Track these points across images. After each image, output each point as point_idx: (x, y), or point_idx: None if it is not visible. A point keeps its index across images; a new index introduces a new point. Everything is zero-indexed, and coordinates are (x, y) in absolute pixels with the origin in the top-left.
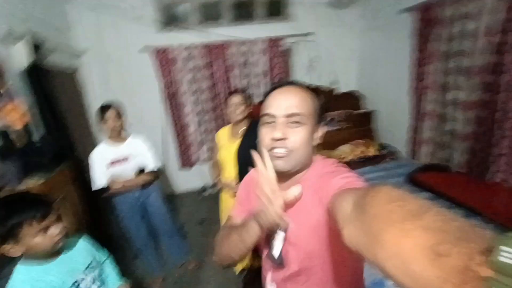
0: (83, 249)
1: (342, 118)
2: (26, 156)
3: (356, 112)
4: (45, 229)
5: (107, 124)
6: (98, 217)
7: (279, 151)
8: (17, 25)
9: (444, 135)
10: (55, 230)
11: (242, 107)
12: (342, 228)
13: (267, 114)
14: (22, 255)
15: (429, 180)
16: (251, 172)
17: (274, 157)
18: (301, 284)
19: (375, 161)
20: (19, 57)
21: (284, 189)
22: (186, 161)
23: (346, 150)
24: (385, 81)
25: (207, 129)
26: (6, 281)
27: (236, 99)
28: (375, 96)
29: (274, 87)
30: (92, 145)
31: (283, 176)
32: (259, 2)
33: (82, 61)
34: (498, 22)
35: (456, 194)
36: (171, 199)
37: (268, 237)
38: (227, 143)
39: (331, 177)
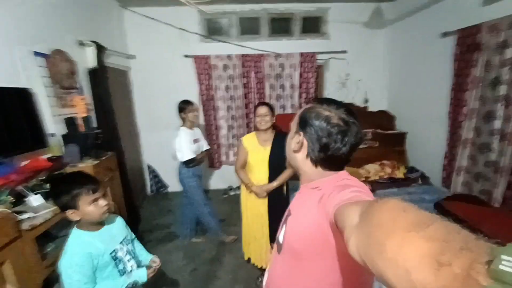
0: (119, 225)
1: (372, 136)
2: (85, 141)
3: (386, 131)
4: (96, 199)
5: (191, 114)
6: (133, 201)
7: None
8: (85, 32)
9: (484, 166)
10: (103, 202)
11: (268, 118)
12: (347, 239)
13: None
14: (78, 220)
15: (458, 209)
16: None
17: None
18: (287, 271)
19: (401, 184)
20: (87, 59)
21: (303, 192)
22: (215, 162)
23: (372, 170)
24: (420, 104)
25: (237, 134)
26: (65, 240)
27: (263, 110)
28: (407, 118)
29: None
30: (135, 137)
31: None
32: (296, 18)
33: (132, 62)
34: None
35: (483, 226)
36: None
37: (282, 224)
38: (257, 149)
39: (340, 191)
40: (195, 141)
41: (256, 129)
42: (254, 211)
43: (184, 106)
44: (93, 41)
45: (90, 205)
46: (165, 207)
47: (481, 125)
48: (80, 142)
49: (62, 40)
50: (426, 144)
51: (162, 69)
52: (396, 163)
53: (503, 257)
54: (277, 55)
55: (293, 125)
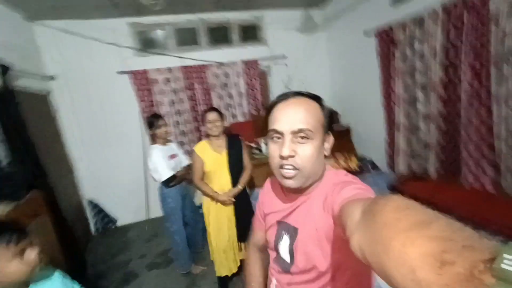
0: (54, 283)
1: None
2: None
3: (333, 127)
4: (21, 252)
5: (159, 130)
6: (74, 246)
7: (288, 169)
8: None
9: (418, 145)
10: (31, 254)
11: (219, 123)
12: (350, 236)
13: (273, 130)
14: None
15: (409, 189)
16: (266, 182)
17: (283, 177)
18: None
19: (357, 174)
20: None
21: (297, 203)
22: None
23: (328, 165)
24: (359, 97)
25: (189, 150)
26: None
27: (213, 115)
28: (350, 112)
29: (280, 99)
30: (67, 171)
31: (296, 190)
32: (234, 27)
33: (54, 84)
34: (440, 44)
35: (437, 200)
36: (153, 222)
37: (275, 241)
38: (212, 156)
39: (342, 188)
40: (172, 157)
41: (207, 136)
42: (221, 219)
43: (151, 121)
44: None
45: (13, 261)
46: (118, 244)
47: (409, 109)
48: None
49: None
50: (370, 133)
51: (93, 89)
52: (347, 154)
53: (505, 255)
54: (220, 64)
55: (317, 129)
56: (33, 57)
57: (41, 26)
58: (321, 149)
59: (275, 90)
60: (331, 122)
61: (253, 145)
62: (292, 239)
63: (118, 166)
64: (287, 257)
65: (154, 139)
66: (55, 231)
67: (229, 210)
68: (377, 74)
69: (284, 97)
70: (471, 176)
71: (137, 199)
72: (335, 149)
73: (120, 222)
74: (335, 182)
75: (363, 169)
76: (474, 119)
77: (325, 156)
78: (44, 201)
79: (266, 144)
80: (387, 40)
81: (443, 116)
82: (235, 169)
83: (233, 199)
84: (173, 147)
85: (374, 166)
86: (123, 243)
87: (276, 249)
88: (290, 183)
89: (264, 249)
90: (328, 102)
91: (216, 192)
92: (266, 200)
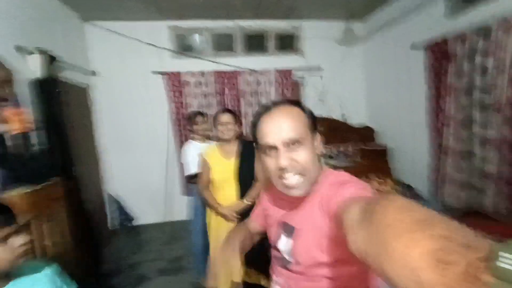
0: (42, 280)
1: (353, 152)
2: (17, 164)
3: (368, 146)
4: (5, 238)
5: (196, 127)
6: (90, 239)
7: (291, 177)
8: (31, 39)
9: (471, 174)
10: (16, 242)
11: (231, 126)
12: (348, 236)
13: (266, 145)
14: None
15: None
16: (267, 185)
17: (288, 188)
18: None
19: None
20: (31, 68)
21: (297, 202)
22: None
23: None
24: (399, 116)
25: None
26: None
27: (226, 117)
28: (388, 131)
29: (262, 111)
30: (94, 163)
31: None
32: (271, 35)
33: (95, 79)
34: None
35: None
36: (171, 226)
37: (275, 240)
38: (220, 162)
39: (340, 187)
40: None
41: (218, 140)
42: (221, 234)
43: (191, 116)
44: (38, 48)
45: None
46: (132, 244)
47: (462, 131)
48: (9, 165)
49: None
50: (410, 156)
51: (129, 87)
52: (382, 176)
53: (502, 253)
54: (252, 71)
55: (306, 132)
56: (80, 52)
57: (91, 25)
58: (313, 149)
59: (308, 102)
60: (315, 121)
61: (324, 151)
62: (291, 238)
63: (142, 165)
64: (287, 256)
65: (193, 134)
66: (69, 221)
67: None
68: (422, 91)
69: (265, 109)
70: None
71: (157, 200)
72: (369, 170)
73: (137, 222)
74: (332, 182)
75: (400, 194)
76: None
77: (319, 155)
78: (64, 189)
79: None
80: (439, 53)
81: (508, 142)
82: (244, 179)
83: (237, 216)
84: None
85: (413, 193)
86: (138, 243)
87: (276, 248)
88: (296, 192)
89: (254, 236)
90: (363, 118)
91: (218, 203)
92: (269, 198)
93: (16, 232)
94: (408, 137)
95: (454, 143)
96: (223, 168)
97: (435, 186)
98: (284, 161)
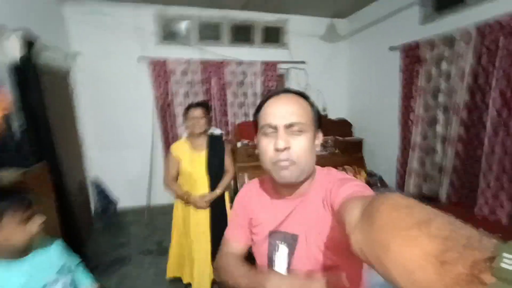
0: (54, 252)
1: (331, 143)
2: (3, 146)
3: (345, 139)
4: (26, 220)
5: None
6: (73, 222)
7: (284, 162)
8: (9, 20)
9: (432, 167)
10: (35, 223)
11: (203, 121)
12: (349, 235)
13: (267, 125)
14: None
15: None
16: (246, 185)
17: (279, 168)
18: None
19: None
20: (9, 51)
21: (292, 207)
22: None
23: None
24: (375, 112)
25: None
26: None
27: (197, 112)
28: (364, 125)
29: (270, 95)
30: (76, 148)
31: (289, 188)
32: (257, 27)
33: (76, 63)
34: (470, 66)
35: None
36: (152, 211)
37: (269, 254)
38: (190, 155)
39: (340, 185)
40: None
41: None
42: (195, 228)
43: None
44: (18, 32)
45: (17, 228)
46: (115, 227)
47: (427, 130)
48: None
49: None
50: (382, 150)
51: (112, 72)
52: (356, 168)
53: (505, 255)
54: (239, 63)
55: (309, 123)
56: (60, 33)
57: (72, 5)
58: (313, 143)
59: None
60: (320, 119)
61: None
62: (291, 247)
63: (126, 150)
64: (284, 268)
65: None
66: (55, 204)
67: (205, 221)
68: (397, 91)
69: (274, 93)
70: (486, 207)
71: (140, 185)
72: (345, 161)
73: (121, 205)
74: (331, 180)
75: (371, 184)
76: (498, 149)
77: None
78: (49, 174)
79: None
80: (412, 57)
81: (463, 141)
82: (215, 171)
83: (207, 204)
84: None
85: (383, 183)
86: (120, 227)
87: (270, 264)
88: (286, 175)
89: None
90: (343, 113)
91: (188, 192)
92: (252, 204)
93: (35, 213)
94: (382, 133)
95: (420, 140)
96: (193, 161)
97: (401, 178)
98: (281, 143)
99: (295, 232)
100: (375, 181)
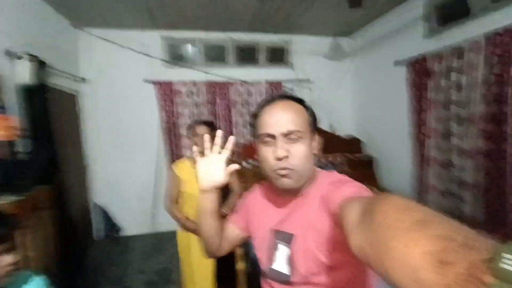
0: None
1: (341, 161)
2: (4, 170)
3: (355, 155)
4: None
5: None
6: (74, 248)
7: (284, 171)
8: (21, 44)
9: (451, 182)
10: (7, 259)
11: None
12: (349, 236)
13: (265, 134)
14: None
15: None
16: (252, 191)
17: (279, 176)
18: None
19: None
20: (20, 73)
21: (292, 207)
22: None
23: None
24: (384, 127)
25: None
26: None
27: (202, 129)
28: (373, 141)
29: (266, 103)
30: (81, 172)
31: (290, 192)
32: (261, 48)
33: (84, 86)
34: (482, 76)
35: None
36: (157, 237)
37: (269, 251)
38: (192, 176)
39: (339, 187)
40: None
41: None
42: (196, 259)
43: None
44: (28, 54)
45: None
46: (118, 254)
47: (442, 143)
48: None
49: None
50: (394, 165)
51: (119, 95)
52: (367, 185)
53: (505, 255)
54: (244, 83)
55: (306, 128)
56: (70, 59)
57: (83, 32)
58: (310, 147)
59: None
60: (316, 122)
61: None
62: (290, 246)
63: (131, 175)
64: (284, 268)
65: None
66: (54, 231)
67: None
68: (405, 105)
69: (270, 101)
70: None
71: (144, 210)
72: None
73: (123, 232)
74: (330, 182)
75: None
76: None
77: (315, 155)
78: (51, 197)
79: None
80: (420, 70)
81: (483, 153)
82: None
83: None
84: None
85: None
86: (124, 254)
87: (270, 263)
88: (287, 182)
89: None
90: (351, 129)
91: (188, 219)
92: (255, 208)
93: (9, 249)
94: (393, 148)
95: (435, 153)
96: (195, 180)
97: (417, 194)
98: (281, 152)
99: (293, 232)
100: None
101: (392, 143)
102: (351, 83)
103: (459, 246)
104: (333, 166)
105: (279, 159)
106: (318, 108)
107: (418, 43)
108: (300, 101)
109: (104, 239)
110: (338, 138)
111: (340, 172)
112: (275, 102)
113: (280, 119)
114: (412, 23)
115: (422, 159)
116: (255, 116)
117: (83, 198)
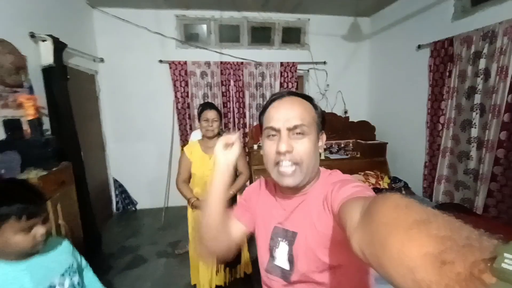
0: (62, 252)
1: (352, 147)
2: (31, 148)
3: (367, 142)
4: (31, 228)
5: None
6: (92, 221)
7: (286, 165)
8: (42, 26)
9: (466, 174)
10: (39, 231)
11: (216, 124)
12: (350, 236)
13: (270, 128)
14: None
15: None
16: (256, 182)
17: (282, 175)
18: None
19: None
20: (43, 55)
21: (294, 205)
22: None
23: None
24: (399, 114)
25: None
26: None
27: (212, 114)
28: (387, 128)
29: (274, 98)
30: (99, 148)
31: (293, 190)
32: (277, 28)
33: (102, 66)
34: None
35: None
36: (171, 211)
37: (271, 248)
38: (202, 158)
39: (340, 186)
40: None
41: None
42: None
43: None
44: (50, 36)
45: (17, 235)
46: (133, 227)
47: (459, 133)
48: (24, 149)
49: (8, 30)
50: (406, 154)
51: (134, 75)
52: (379, 173)
53: (506, 255)
54: (258, 64)
55: (312, 125)
56: (88, 39)
57: (99, 12)
58: (316, 145)
59: (311, 95)
60: (324, 121)
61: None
62: (291, 244)
63: (146, 152)
64: (285, 265)
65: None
66: (79, 203)
67: None
68: (424, 91)
69: (278, 96)
70: None
71: (158, 186)
72: (366, 166)
73: (139, 206)
74: (333, 181)
75: (395, 190)
76: None
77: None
78: (73, 173)
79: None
80: (444, 55)
81: (504, 147)
82: None
83: None
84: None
85: (408, 190)
86: (138, 226)
87: (271, 260)
88: (288, 181)
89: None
90: (365, 115)
91: (194, 197)
92: (259, 204)
93: (43, 221)
94: (407, 136)
95: (452, 144)
96: (205, 163)
97: (429, 185)
98: (283, 146)
99: (295, 230)
100: (399, 187)
101: (407, 130)
102: (368, 66)
103: (459, 246)
104: (345, 151)
105: (281, 153)
106: (332, 92)
107: (446, 25)
108: (309, 99)
109: (121, 212)
110: (351, 123)
111: (352, 157)
112: (284, 97)
113: (287, 114)
114: (441, 2)
115: (436, 149)
116: (263, 110)
117: (102, 173)
